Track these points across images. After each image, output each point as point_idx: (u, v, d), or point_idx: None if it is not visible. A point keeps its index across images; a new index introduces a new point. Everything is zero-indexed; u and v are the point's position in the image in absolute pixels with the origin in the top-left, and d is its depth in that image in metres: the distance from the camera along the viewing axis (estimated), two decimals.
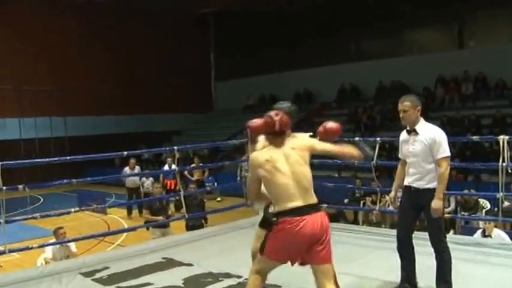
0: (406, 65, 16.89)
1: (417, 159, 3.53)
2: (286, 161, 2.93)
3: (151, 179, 11.89)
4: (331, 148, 3.16)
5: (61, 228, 6.07)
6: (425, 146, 3.47)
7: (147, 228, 7.33)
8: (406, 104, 3.54)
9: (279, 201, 2.91)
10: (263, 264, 3.03)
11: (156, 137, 20.30)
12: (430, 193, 3.48)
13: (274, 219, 2.91)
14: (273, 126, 2.96)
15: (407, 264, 3.73)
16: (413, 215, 3.69)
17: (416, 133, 3.54)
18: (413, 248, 3.66)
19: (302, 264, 3.02)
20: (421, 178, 3.53)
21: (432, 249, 3.69)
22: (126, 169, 11.92)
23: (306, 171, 2.97)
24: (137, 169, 12.24)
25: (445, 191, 3.49)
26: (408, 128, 3.63)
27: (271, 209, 3.14)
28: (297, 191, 2.88)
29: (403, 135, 3.71)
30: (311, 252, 2.90)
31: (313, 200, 2.93)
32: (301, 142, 3.06)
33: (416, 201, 3.59)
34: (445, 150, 3.46)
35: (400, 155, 3.81)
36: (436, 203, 3.45)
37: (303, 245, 2.88)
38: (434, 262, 4.00)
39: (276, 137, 2.99)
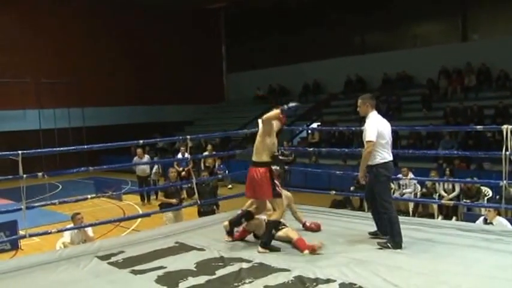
0: (410, 57, 17.09)
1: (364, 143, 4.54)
2: (258, 134, 4.64)
3: (156, 166, 12.14)
4: (265, 116, 4.55)
5: (78, 213, 6.29)
6: (363, 133, 4.53)
7: (160, 208, 7.57)
8: (359, 101, 4.66)
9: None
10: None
11: (169, 127, 20.62)
12: (371, 168, 4.51)
13: None
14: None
15: (378, 217, 4.67)
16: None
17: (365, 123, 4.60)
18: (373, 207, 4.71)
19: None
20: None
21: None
22: (136, 158, 12.18)
23: (257, 144, 4.58)
24: (147, 158, 12.42)
25: (366, 165, 4.52)
26: None
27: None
28: (253, 151, 4.61)
29: None
30: (254, 190, 4.62)
31: (258, 159, 4.56)
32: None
33: (370, 176, 4.61)
34: (368, 136, 4.44)
35: None
36: (359, 175, 4.70)
37: (249, 185, 4.64)
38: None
39: None
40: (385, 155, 4.49)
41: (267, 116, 4.55)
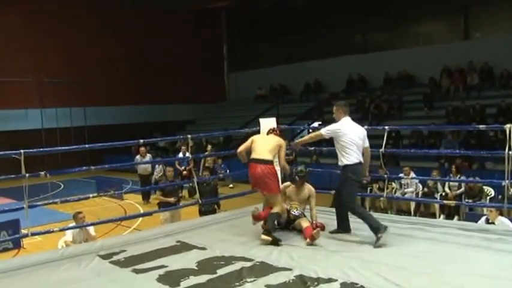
0: (412, 56, 17.07)
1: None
2: (263, 141, 5.13)
3: (160, 166, 12.10)
4: (282, 158, 5.12)
5: (80, 213, 6.30)
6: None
7: (159, 207, 7.59)
8: (334, 108, 5.00)
9: (251, 154, 5.04)
10: None
11: (171, 126, 20.67)
12: (342, 169, 4.84)
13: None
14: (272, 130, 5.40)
15: (341, 213, 5.01)
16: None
17: None
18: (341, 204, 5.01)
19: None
20: (338, 159, 4.88)
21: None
22: (138, 157, 12.13)
23: (268, 149, 5.01)
24: (148, 157, 12.37)
25: (304, 142, 5.45)
26: None
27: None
28: (260, 152, 4.96)
29: None
30: (260, 185, 4.95)
31: (265, 157, 4.92)
32: (275, 140, 5.11)
33: (340, 177, 4.95)
34: (324, 128, 4.90)
35: None
36: (294, 142, 5.53)
37: (255, 179, 4.97)
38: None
39: (268, 133, 5.37)
40: (351, 158, 4.74)
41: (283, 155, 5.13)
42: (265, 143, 5.07)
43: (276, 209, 4.93)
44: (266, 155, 4.94)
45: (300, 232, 4.99)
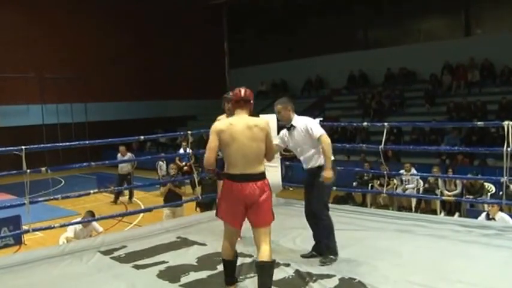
0: (413, 53, 17.04)
1: (301, 148, 4.11)
2: (242, 133, 3.28)
3: (164, 164, 11.96)
4: (272, 146, 3.46)
5: (93, 216, 6.27)
6: (303, 135, 4.06)
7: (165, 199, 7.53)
8: (278, 107, 4.19)
9: (227, 165, 3.35)
10: (225, 229, 3.45)
11: (172, 122, 20.65)
12: (319, 170, 3.99)
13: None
14: (239, 94, 3.48)
15: (315, 233, 4.20)
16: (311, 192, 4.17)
17: (294, 127, 4.14)
18: (314, 218, 4.14)
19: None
20: (310, 161, 4.09)
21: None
22: (119, 155, 11.74)
23: (256, 147, 3.30)
24: (128, 155, 11.94)
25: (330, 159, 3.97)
26: (287, 125, 4.22)
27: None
28: (240, 161, 3.26)
29: (284, 132, 4.30)
30: (248, 214, 3.30)
31: (255, 171, 3.27)
32: (261, 122, 3.38)
33: (312, 180, 4.08)
34: (317, 130, 4.00)
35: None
36: (325, 173, 3.89)
37: (239, 206, 3.26)
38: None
39: (241, 106, 3.43)
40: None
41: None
42: (245, 142, 3.25)
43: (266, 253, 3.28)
44: (252, 166, 3.26)
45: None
